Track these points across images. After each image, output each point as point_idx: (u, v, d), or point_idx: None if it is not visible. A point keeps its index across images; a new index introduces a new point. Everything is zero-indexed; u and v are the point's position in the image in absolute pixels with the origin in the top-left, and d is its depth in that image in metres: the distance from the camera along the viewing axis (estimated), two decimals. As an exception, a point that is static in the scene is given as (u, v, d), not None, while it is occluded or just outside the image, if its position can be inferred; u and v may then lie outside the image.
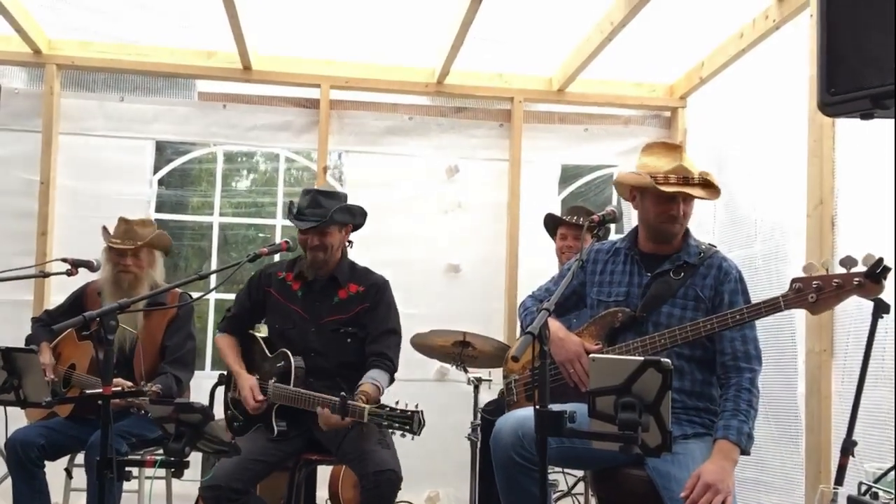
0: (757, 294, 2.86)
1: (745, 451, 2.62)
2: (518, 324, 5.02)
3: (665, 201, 2.83)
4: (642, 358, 2.03)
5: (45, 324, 3.88)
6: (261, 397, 3.33)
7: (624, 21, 4.25)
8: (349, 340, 3.44)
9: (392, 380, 3.44)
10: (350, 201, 3.58)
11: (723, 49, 4.74)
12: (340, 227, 3.47)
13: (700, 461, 2.57)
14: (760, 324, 2.80)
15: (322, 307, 3.48)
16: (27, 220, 4.98)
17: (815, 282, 2.48)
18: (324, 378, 3.37)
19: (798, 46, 4.00)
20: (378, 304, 3.49)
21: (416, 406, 2.96)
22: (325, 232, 3.41)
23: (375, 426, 3.10)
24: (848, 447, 2.80)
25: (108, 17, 4.82)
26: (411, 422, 2.92)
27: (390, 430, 3.01)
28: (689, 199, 2.85)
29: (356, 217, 3.53)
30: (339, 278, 3.49)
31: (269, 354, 3.49)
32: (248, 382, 3.39)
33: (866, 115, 1.97)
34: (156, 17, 4.80)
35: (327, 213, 3.39)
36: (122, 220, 3.92)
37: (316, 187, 3.51)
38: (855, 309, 3.24)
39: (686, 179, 2.82)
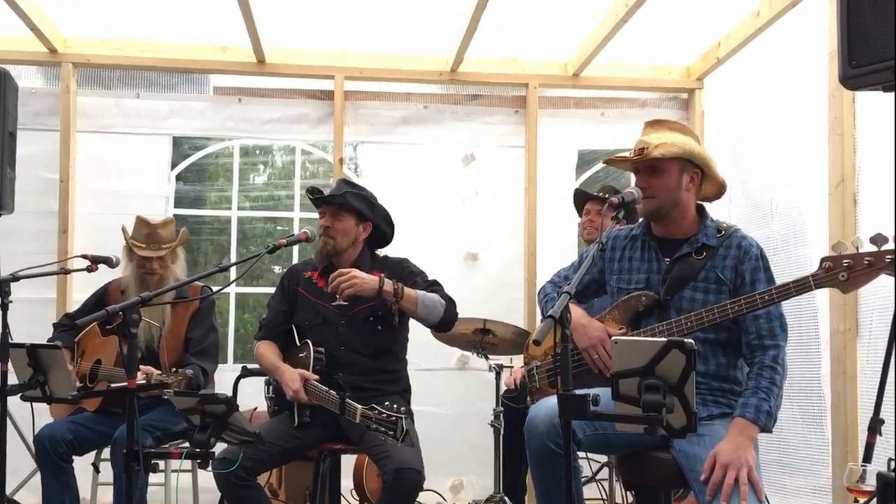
0: (776, 275, 2.81)
1: (764, 429, 2.58)
2: (538, 310, 5.05)
3: (637, 177, 2.85)
4: (665, 339, 2.02)
5: (67, 327, 3.89)
6: (299, 385, 3.24)
7: (639, 3, 4.21)
8: (380, 328, 3.40)
9: (450, 303, 3.34)
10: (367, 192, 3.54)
11: (739, 28, 4.68)
12: (357, 218, 3.42)
13: None
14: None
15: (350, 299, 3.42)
16: (48, 219, 5.01)
17: (845, 260, 2.45)
18: (355, 371, 3.34)
19: (816, 23, 3.96)
20: (409, 274, 3.43)
21: (401, 410, 2.86)
22: (337, 215, 3.38)
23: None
24: (875, 425, 2.78)
25: (121, 14, 4.85)
26: (395, 427, 2.83)
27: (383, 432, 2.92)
28: (648, 171, 2.78)
29: (376, 213, 3.46)
30: (361, 269, 3.41)
31: (297, 345, 3.48)
32: (292, 372, 3.29)
33: (888, 87, 1.96)
34: (169, 13, 4.82)
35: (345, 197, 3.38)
36: (143, 222, 3.87)
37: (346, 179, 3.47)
38: (879, 287, 3.20)
39: (641, 151, 2.80)
